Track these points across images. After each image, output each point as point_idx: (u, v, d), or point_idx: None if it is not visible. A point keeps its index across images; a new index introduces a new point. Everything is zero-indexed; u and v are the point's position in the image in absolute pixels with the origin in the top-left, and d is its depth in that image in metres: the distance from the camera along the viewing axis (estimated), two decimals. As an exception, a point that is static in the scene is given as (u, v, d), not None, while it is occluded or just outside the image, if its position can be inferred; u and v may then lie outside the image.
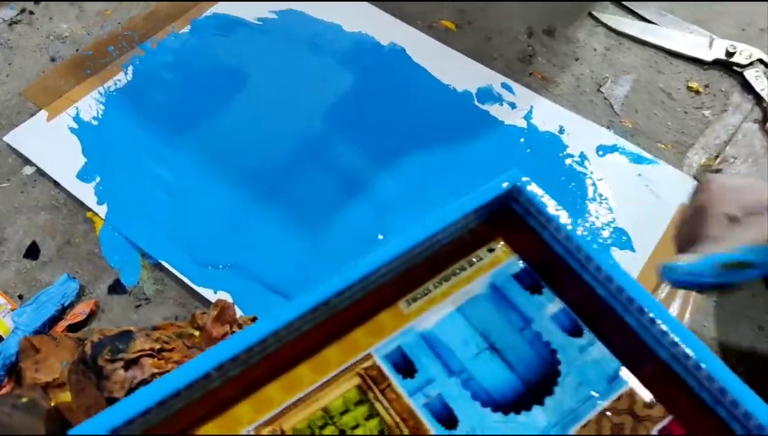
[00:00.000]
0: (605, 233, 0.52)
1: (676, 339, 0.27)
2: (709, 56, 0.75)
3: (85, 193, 0.54)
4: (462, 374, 0.29)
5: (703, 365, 0.26)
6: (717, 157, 0.65)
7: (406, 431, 0.27)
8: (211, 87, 0.64)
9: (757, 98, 0.74)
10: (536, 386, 0.29)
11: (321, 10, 0.70)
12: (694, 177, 0.62)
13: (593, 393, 0.29)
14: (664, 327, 0.28)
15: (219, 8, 0.69)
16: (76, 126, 0.60)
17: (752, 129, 0.70)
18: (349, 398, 0.28)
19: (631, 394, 0.29)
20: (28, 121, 0.60)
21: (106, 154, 0.58)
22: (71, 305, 0.47)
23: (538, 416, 0.28)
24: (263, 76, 0.65)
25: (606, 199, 0.55)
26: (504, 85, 0.65)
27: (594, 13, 0.79)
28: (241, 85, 0.64)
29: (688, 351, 0.27)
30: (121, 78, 0.63)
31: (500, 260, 0.32)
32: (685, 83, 0.71)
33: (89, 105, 0.61)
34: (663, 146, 0.65)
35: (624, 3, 0.80)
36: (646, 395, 0.28)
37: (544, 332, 0.30)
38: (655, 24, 0.78)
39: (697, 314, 0.49)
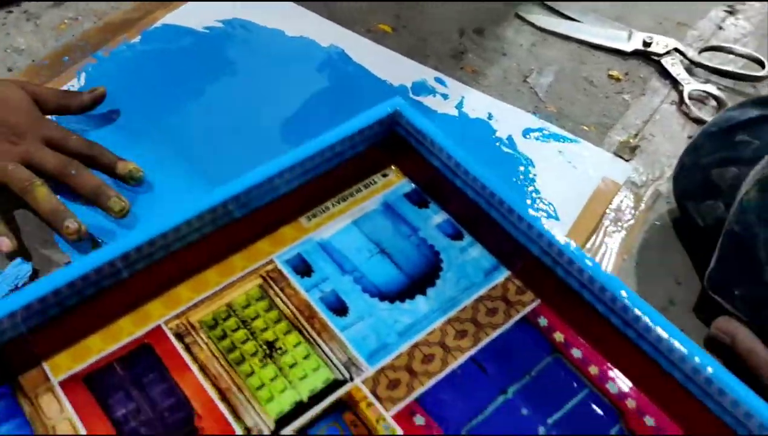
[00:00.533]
0: (533, 206, 0.57)
1: (545, 234, 0.31)
2: (628, 47, 0.80)
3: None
4: (354, 272, 0.33)
5: (566, 254, 0.30)
6: (636, 135, 0.70)
7: (302, 320, 0.31)
8: (160, 90, 0.68)
9: (674, 82, 0.80)
10: (420, 280, 0.32)
11: (264, 17, 0.76)
12: (614, 153, 0.67)
13: (471, 284, 0.32)
14: (533, 225, 0.31)
15: (167, 19, 0.74)
16: None
17: (669, 110, 0.76)
18: (252, 295, 0.32)
19: (505, 283, 0.32)
20: None
21: None
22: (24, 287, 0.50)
23: (421, 303, 0.32)
24: (211, 79, 0.70)
25: (533, 176, 0.60)
26: (437, 79, 0.70)
27: (520, 13, 0.85)
28: (190, 88, 0.69)
29: (554, 243, 0.31)
30: (75, 84, 0.68)
31: (392, 183, 0.36)
32: (606, 72, 0.76)
33: None
34: (586, 128, 0.70)
35: (548, 3, 0.86)
36: (517, 283, 0.32)
37: (428, 237, 0.34)
38: (578, 21, 0.84)
39: (619, 274, 0.53)
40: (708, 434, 0.28)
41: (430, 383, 0.30)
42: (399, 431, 0.29)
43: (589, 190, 0.59)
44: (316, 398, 0.30)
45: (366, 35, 0.75)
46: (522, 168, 0.59)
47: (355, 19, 0.78)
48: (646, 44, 0.81)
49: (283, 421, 0.29)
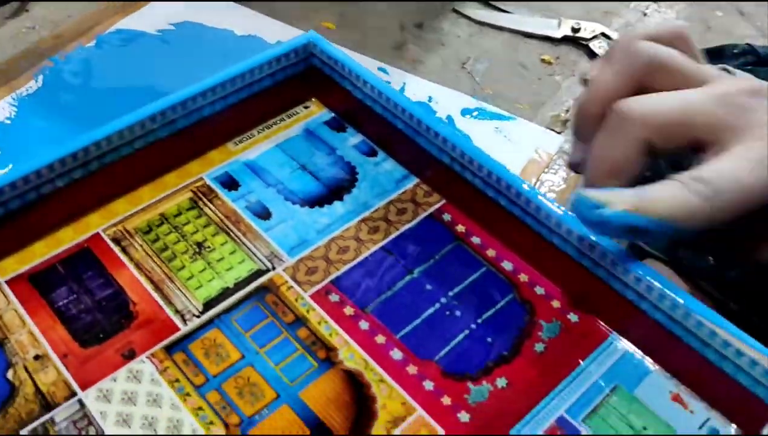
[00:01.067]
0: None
1: (456, 145, 0.35)
2: (558, 34, 0.86)
3: (-1, 175, 0.61)
4: (277, 185, 0.37)
5: (476, 160, 0.34)
6: (567, 111, 0.75)
7: (229, 224, 0.34)
8: (115, 87, 0.73)
9: (601, 63, 0.85)
10: (337, 189, 0.36)
11: (214, 19, 0.81)
12: (547, 127, 0.72)
13: (383, 191, 0.36)
14: (443, 136, 0.35)
15: (121, 24, 0.78)
16: None
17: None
18: (182, 206, 0.35)
19: (414, 188, 0.36)
20: None
21: (18, 146, 0.66)
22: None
23: (338, 207, 0.36)
24: (164, 77, 0.74)
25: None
26: (380, 69, 0.75)
27: (457, 8, 0.90)
28: (143, 85, 0.73)
29: (464, 151, 0.35)
30: (32, 85, 0.72)
31: (313, 113, 0.40)
32: (538, 57, 0.81)
33: (2, 108, 0.69)
34: (520, 106, 0.75)
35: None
36: (425, 188, 0.36)
37: (345, 155, 0.38)
38: (511, 13, 0.90)
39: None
40: (591, 291, 0.32)
41: (345, 268, 0.34)
42: (316, 307, 0.32)
43: (524, 160, 0.63)
44: (240, 284, 0.33)
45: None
46: (461, 144, 0.64)
47: (300, 18, 0.83)
48: (575, 30, 0.87)
49: (210, 304, 0.32)
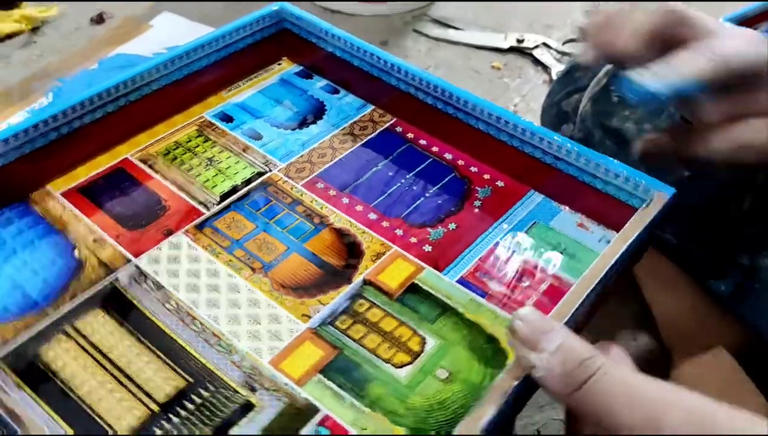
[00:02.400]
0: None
1: (405, 69, 0.45)
2: (505, 45, 0.99)
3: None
4: (264, 117, 0.47)
5: (424, 79, 0.45)
6: (515, 106, 0.87)
7: (230, 144, 0.45)
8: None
9: (544, 67, 0.99)
10: (311, 117, 0.46)
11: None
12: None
13: (347, 116, 0.47)
14: (394, 63, 0.46)
15: (120, 50, 0.90)
16: None
17: (541, 87, 0.94)
18: (191, 135, 0.45)
19: (371, 113, 0.47)
20: None
21: None
22: None
23: (314, 129, 0.46)
24: None
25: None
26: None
27: (416, 28, 1.03)
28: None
29: (412, 73, 0.45)
30: (44, 101, 0.83)
31: (285, 68, 0.51)
32: (489, 64, 0.94)
33: (18, 120, 0.79)
34: None
35: (437, 20, 1.04)
36: (380, 111, 0.47)
37: (314, 94, 0.49)
38: (463, 30, 1.02)
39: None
40: (515, 162, 0.42)
41: (325, 166, 0.44)
42: (307, 192, 0.42)
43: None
44: (246, 182, 0.43)
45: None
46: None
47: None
48: (519, 41, 1.00)
49: (225, 196, 0.42)
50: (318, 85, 0.50)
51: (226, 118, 0.47)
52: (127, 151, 0.45)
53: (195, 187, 0.43)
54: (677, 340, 0.56)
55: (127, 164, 0.44)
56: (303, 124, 0.47)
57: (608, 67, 0.64)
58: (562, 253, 0.39)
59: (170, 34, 0.94)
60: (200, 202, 0.42)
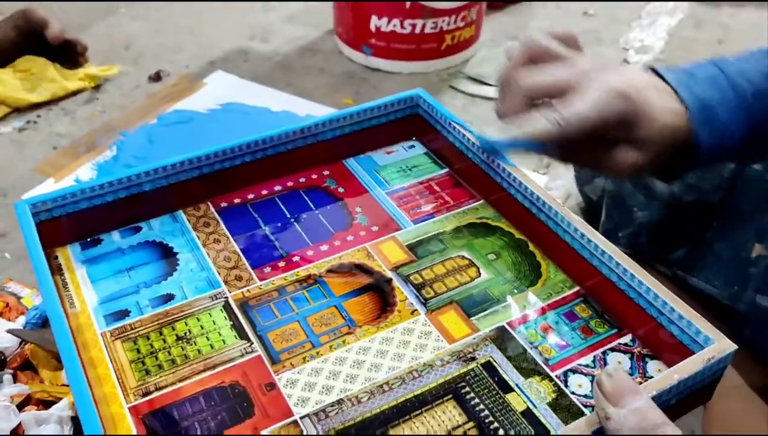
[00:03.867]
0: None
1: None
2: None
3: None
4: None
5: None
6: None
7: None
8: (175, 151, 0.87)
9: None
10: None
11: (254, 99, 0.97)
12: (533, 170, 0.88)
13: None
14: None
15: (178, 106, 0.94)
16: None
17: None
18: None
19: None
20: (40, 185, 0.81)
21: None
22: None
23: None
24: (214, 144, 0.89)
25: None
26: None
27: (453, 84, 1.08)
28: (194, 148, 0.88)
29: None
30: (108, 154, 0.86)
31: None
32: None
33: (85, 172, 0.83)
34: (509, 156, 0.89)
35: (472, 77, 1.09)
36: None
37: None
38: (496, 86, 1.06)
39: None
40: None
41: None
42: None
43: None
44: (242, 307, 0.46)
45: (333, 106, 0.96)
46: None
47: (323, 96, 0.99)
48: (552, 96, 1.03)
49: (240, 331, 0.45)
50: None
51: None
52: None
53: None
54: None
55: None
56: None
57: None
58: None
59: (224, 92, 0.98)
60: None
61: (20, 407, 0.60)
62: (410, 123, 0.53)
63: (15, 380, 0.63)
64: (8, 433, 0.57)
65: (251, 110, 0.96)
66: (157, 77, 1.03)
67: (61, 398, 0.60)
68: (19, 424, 0.57)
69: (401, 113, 0.53)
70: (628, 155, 0.44)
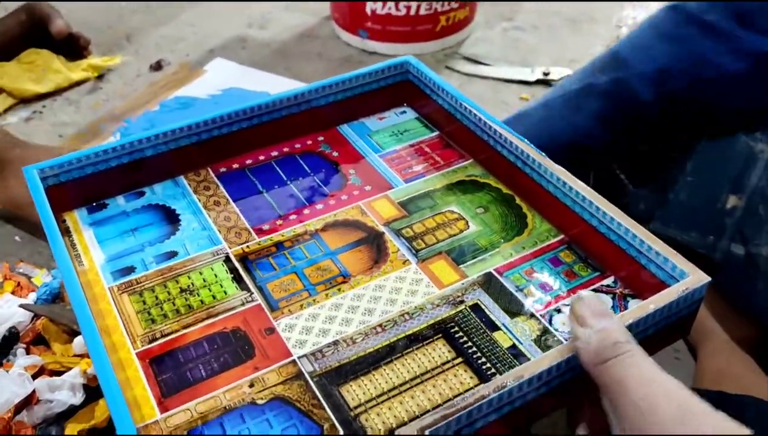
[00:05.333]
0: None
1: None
2: (532, 78, 1.05)
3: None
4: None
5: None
6: None
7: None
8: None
9: (571, 98, 1.03)
10: None
11: (253, 84, 0.98)
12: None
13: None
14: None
15: (180, 92, 0.96)
16: None
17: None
18: None
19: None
20: None
21: None
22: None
23: None
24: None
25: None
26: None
27: (448, 64, 1.09)
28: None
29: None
30: (112, 140, 0.88)
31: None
32: (517, 96, 0.99)
33: None
34: None
35: (468, 57, 1.10)
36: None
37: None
38: (492, 65, 1.08)
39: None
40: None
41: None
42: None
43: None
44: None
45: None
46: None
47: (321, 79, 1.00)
48: (545, 74, 1.05)
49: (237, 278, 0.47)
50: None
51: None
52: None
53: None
54: (700, 337, 0.60)
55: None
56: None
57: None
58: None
59: (224, 78, 1.00)
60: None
61: (33, 378, 0.62)
62: (401, 89, 0.55)
63: (28, 353, 0.65)
64: (23, 399, 0.59)
65: (251, 95, 0.98)
66: (158, 66, 1.05)
67: (72, 368, 0.62)
68: (33, 391, 0.59)
69: (392, 79, 0.55)
70: None
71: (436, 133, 0.53)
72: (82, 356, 0.62)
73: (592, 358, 0.31)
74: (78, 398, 0.59)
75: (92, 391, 0.60)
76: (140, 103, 0.97)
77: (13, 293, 0.71)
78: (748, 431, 0.28)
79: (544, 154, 0.45)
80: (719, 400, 0.56)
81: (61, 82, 1.02)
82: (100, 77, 1.03)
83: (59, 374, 0.62)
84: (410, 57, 0.54)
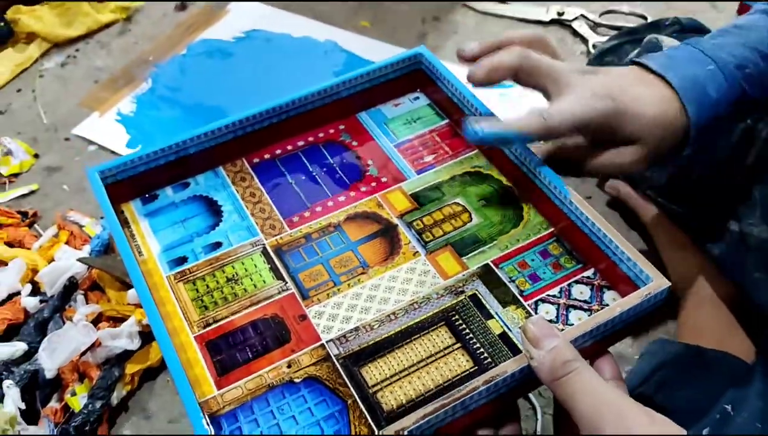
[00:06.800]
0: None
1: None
2: (547, 18, 1.07)
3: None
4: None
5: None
6: None
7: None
8: (204, 80, 0.95)
9: (582, 39, 1.06)
10: None
11: (276, 26, 1.02)
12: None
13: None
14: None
15: (204, 35, 1.00)
16: (119, 118, 0.90)
17: (580, 58, 1.02)
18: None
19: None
20: (87, 119, 0.90)
21: (142, 130, 0.88)
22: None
23: None
24: (239, 70, 0.96)
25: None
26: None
27: (466, 3, 1.11)
28: (225, 77, 0.95)
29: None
30: (145, 86, 0.94)
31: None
32: None
33: (126, 105, 0.91)
34: None
35: (484, -6, 1.11)
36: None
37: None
38: (508, 3, 1.10)
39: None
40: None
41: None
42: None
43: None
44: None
45: (352, 30, 1.01)
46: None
47: (342, 20, 1.04)
48: (560, 14, 1.08)
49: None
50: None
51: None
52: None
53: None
54: (685, 291, 0.68)
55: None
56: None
57: (634, 53, 0.73)
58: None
59: (247, 19, 1.04)
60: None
61: (94, 323, 0.72)
62: (414, 77, 0.60)
63: (86, 300, 0.75)
64: (89, 346, 0.69)
65: (273, 36, 1.02)
66: (182, 6, 1.09)
67: (128, 316, 0.72)
68: (97, 339, 0.69)
69: (407, 69, 0.60)
70: (625, 153, 0.49)
71: (446, 121, 0.59)
72: (136, 305, 0.71)
73: (547, 376, 0.38)
74: (135, 344, 0.69)
75: (146, 337, 0.70)
76: (169, 45, 1.01)
77: (67, 242, 0.80)
78: (682, 431, 0.35)
79: (533, 152, 0.51)
80: (697, 355, 0.64)
81: (91, 25, 1.06)
82: (128, 19, 1.07)
83: (116, 320, 0.72)
84: (423, 48, 0.59)
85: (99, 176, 0.51)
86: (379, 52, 0.98)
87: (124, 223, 0.53)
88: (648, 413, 0.35)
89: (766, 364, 0.60)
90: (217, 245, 0.51)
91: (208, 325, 0.47)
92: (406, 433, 0.38)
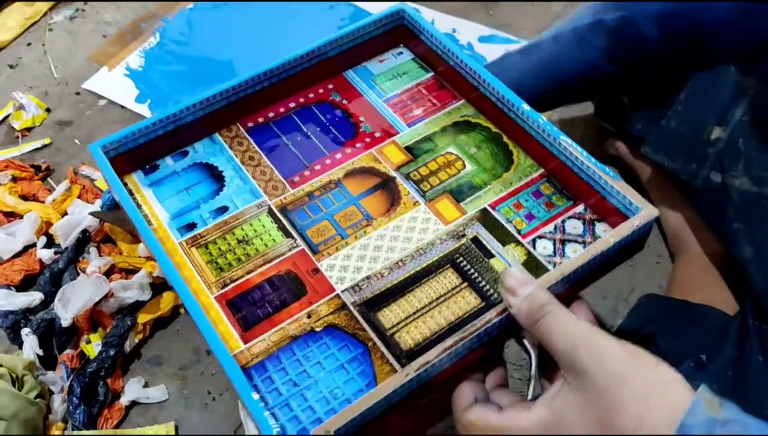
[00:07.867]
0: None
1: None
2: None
3: (142, 109, 0.88)
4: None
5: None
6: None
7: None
8: (213, 34, 0.97)
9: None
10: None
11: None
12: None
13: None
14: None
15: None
16: (128, 72, 0.93)
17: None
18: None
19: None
20: (96, 73, 0.92)
21: (151, 85, 0.90)
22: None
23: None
24: (246, 24, 0.98)
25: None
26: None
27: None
28: (230, 31, 0.97)
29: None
30: (152, 40, 0.96)
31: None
32: None
33: (134, 59, 0.93)
34: (524, 31, 0.96)
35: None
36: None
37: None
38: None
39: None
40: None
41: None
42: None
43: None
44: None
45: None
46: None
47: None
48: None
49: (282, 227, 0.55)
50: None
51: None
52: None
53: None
54: (678, 247, 0.72)
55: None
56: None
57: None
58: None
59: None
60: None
61: (106, 275, 0.74)
62: (397, 33, 0.62)
63: (99, 251, 0.76)
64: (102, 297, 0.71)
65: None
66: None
67: (139, 268, 0.73)
68: (109, 290, 0.71)
69: (389, 26, 0.61)
70: None
71: (431, 74, 0.61)
72: (147, 258, 0.73)
73: (525, 320, 0.40)
74: (146, 295, 0.71)
75: (157, 288, 0.72)
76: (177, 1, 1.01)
77: (79, 196, 0.81)
78: (657, 360, 0.38)
79: (519, 97, 0.53)
80: (684, 307, 0.67)
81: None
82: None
83: (128, 271, 0.74)
84: (404, 4, 0.61)
85: (102, 151, 0.52)
86: (384, 6, 0.99)
87: (130, 194, 0.54)
88: (622, 343, 0.37)
89: (744, 315, 0.63)
90: (224, 209, 0.53)
91: (226, 285, 0.49)
92: (429, 366, 0.41)
